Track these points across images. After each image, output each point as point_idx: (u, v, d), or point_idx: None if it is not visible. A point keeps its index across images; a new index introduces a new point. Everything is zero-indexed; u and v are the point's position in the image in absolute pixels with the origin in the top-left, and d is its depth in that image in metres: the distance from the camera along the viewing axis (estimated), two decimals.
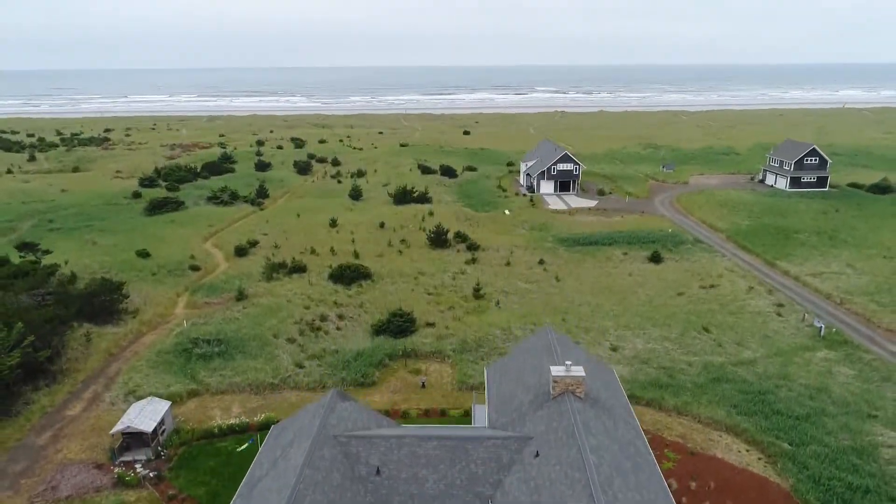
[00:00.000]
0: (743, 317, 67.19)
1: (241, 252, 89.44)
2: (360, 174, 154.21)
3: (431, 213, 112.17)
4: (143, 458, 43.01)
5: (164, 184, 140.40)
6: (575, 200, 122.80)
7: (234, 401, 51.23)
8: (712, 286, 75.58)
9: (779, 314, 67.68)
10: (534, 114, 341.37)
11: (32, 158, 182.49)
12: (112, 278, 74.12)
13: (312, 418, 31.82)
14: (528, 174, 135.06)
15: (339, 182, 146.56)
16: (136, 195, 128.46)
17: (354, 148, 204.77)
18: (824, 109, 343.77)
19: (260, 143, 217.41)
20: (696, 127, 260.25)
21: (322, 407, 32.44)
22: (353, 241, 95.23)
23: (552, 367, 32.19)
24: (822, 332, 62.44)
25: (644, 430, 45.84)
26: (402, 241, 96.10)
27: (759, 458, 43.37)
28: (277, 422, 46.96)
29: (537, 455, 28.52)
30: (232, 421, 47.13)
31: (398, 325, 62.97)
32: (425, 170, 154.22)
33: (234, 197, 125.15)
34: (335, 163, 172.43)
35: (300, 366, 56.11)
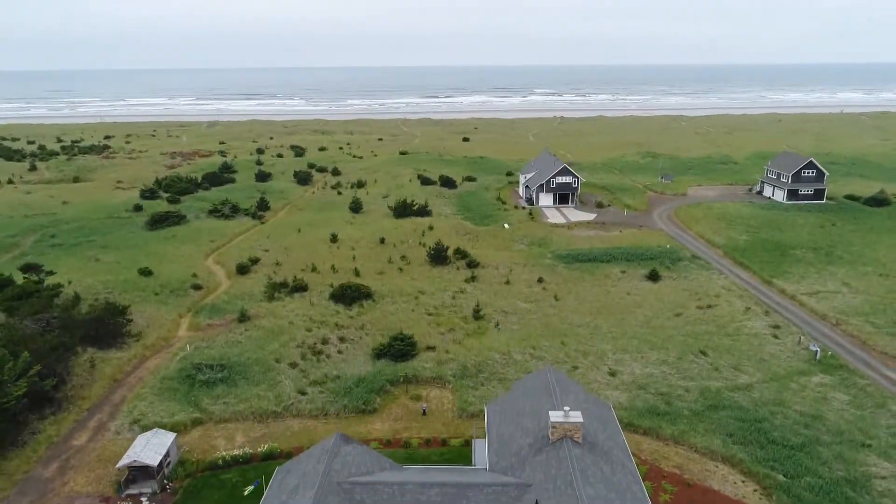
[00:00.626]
0: (740, 339, 67.99)
1: (242, 270, 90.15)
2: (360, 185, 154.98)
3: (431, 228, 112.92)
4: (149, 490, 43.77)
5: (165, 195, 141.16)
6: (574, 213, 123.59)
7: (237, 429, 51.99)
8: (709, 306, 76.37)
9: (775, 336, 68.48)
10: (533, 119, 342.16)
11: (33, 168, 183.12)
12: (115, 300, 75.01)
13: (317, 463, 32.57)
14: (527, 186, 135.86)
15: (340, 193, 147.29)
16: (138, 208, 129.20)
17: (354, 156, 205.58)
18: (823, 114, 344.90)
19: (260, 150, 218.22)
20: (694, 133, 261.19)
21: (326, 452, 33.17)
22: (353, 258, 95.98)
23: (551, 413, 32.95)
24: (818, 356, 63.26)
25: (642, 461, 46.87)
26: (403, 257, 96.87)
27: (755, 490, 44.16)
28: (280, 452, 47.93)
29: None
30: (236, 452, 47.87)
31: (399, 348, 63.77)
32: (425, 181, 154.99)
33: (235, 210, 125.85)
34: (335, 172, 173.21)
35: (302, 392, 56.86)
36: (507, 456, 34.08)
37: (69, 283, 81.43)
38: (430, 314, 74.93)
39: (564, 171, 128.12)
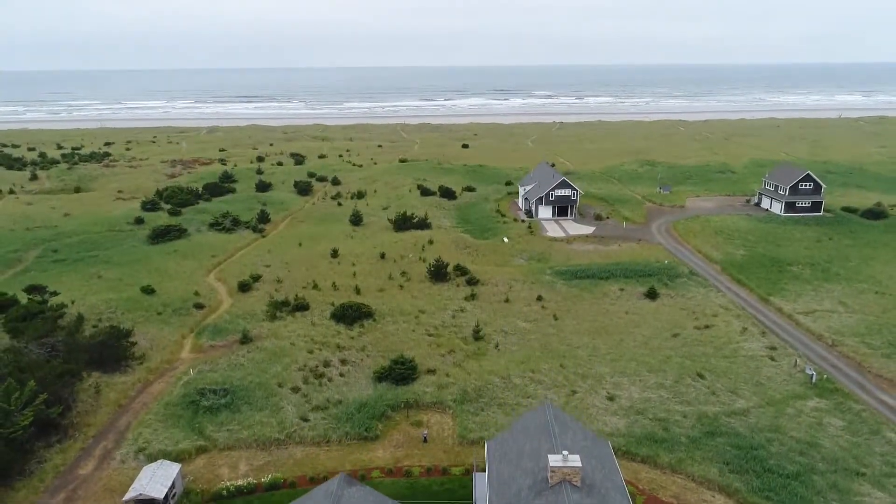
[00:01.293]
0: (736, 361, 68.79)
1: (244, 287, 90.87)
2: (360, 195, 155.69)
3: (431, 242, 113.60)
4: None
5: (166, 207, 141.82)
6: (573, 227, 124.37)
7: (241, 457, 52.73)
8: (707, 326, 77.16)
9: (772, 358, 69.28)
10: (532, 124, 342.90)
11: (34, 177, 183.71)
12: (119, 320, 75.87)
13: None
14: (526, 198, 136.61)
15: (340, 204, 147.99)
16: (139, 221, 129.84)
17: (354, 164, 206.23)
18: (821, 119, 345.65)
19: (260, 158, 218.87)
20: (693, 140, 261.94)
21: (330, 495, 33.91)
22: (354, 275, 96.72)
23: (550, 457, 33.72)
24: (814, 380, 64.07)
25: (640, 490, 47.66)
26: (403, 273, 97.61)
27: None
28: (284, 482, 48.68)
29: None
30: (240, 482, 48.63)
31: (400, 372, 64.53)
32: (424, 191, 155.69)
33: (236, 223, 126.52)
34: (335, 182, 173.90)
35: (305, 419, 57.59)
36: (506, 496, 34.84)
37: (72, 302, 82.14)
38: (430, 335, 75.69)
39: (563, 184, 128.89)
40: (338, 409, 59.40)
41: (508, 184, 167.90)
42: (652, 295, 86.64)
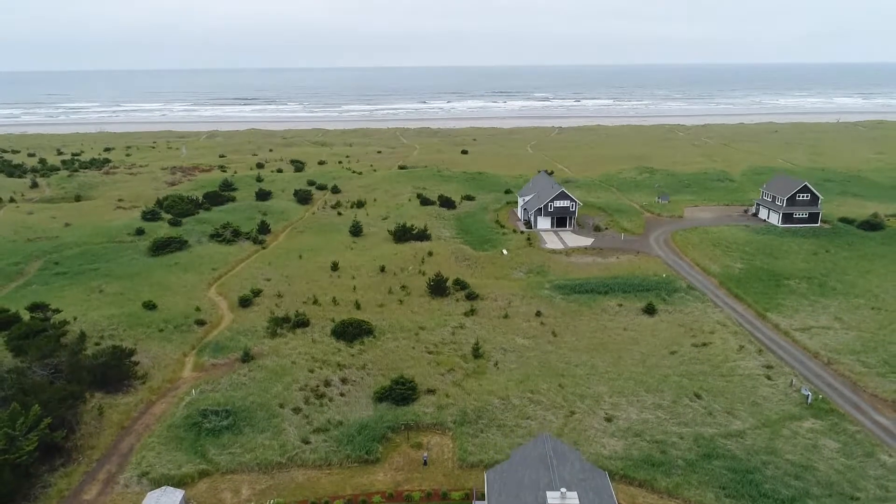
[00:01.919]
0: (733, 380, 69.47)
1: (244, 303, 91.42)
2: (360, 204, 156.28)
3: (431, 254, 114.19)
4: None
5: (166, 217, 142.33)
6: (571, 238, 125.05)
7: (243, 481, 53.33)
8: (704, 344, 77.85)
9: (768, 377, 69.97)
10: (531, 128, 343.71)
11: (35, 185, 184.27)
12: (121, 336, 76.54)
13: None
14: (525, 209, 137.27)
15: (340, 214, 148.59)
16: (140, 231, 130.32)
17: (354, 171, 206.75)
18: (819, 124, 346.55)
19: (260, 165, 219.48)
20: (692, 145, 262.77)
21: None
22: (354, 289, 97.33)
23: (548, 494, 34.37)
24: (809, 400, 64.75)
25: None
26: (403, 287, 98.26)
27: None
28: None
29: None
30: None
31: (400, 392, 65.16)
32: (424, 200, 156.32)
33: (237, 234, 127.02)
34: (335, 190, 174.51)
35: (306, 441, 58.20)
36: None
37: (74, 319, 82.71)
38: (430, 352, 76.33)
39: (562, 196, 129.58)
40: (339, 430, 60.02)
41: (507, 192, 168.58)
42: (650, 310, 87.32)
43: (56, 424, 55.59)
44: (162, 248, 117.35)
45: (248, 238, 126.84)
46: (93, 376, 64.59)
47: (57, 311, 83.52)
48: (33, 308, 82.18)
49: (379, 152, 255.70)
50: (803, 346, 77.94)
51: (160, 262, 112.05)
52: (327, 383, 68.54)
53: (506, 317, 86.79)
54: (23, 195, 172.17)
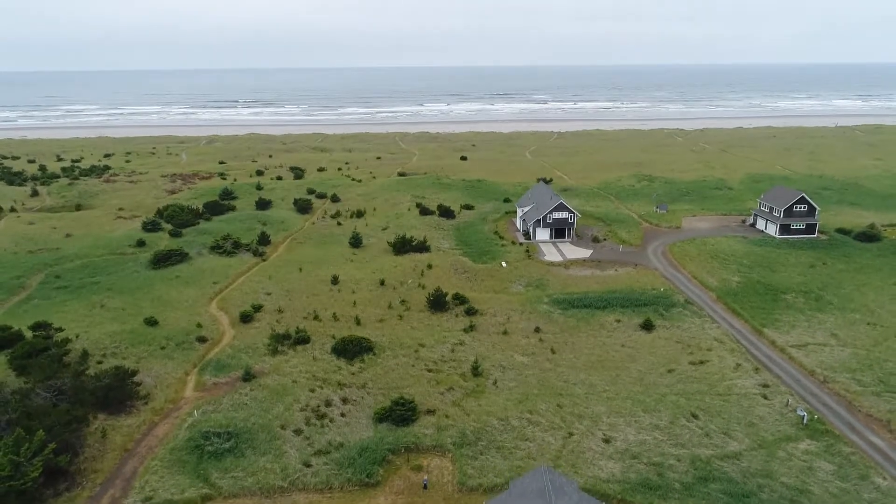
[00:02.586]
0: (730, 399, 70.21)
1: (245, 319, 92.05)
2: (360, 214, 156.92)
3: (430, 266, 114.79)
4: None
5: (166, 227, 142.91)
6: (570, 250, 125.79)
7: None
8: (701, 362, 78.55)
9: (765, 396, 70.70)
10: (530, 133, 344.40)
11: (35, 193, 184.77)
12: (123, 356, 77.25)
13: None
14: (524, 220, 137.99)
15: (340, 224, 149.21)
16: (141, 243, 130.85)
17: (353, 179, 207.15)
18: (817, 128, 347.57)
19: (259, 172, 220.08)
20: (690, 151, 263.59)
21: None
22: (354, 303, 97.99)
23: None
24: (805, 421, 65.48)
25: None
26: (403, 301, 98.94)
27: None
28: None
29: None
30: None
31: (400, 413, 65.82)
32: (423, 210, 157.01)
33: (237, 246, 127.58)
34: (335, 199, 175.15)
35: (307, 464, 58.86)
36: None
37: (77, 336, 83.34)
38: (429, 370, 77.01)
39: (561, 207, 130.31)
40: (339, 452, 60.68)
41: (507, 201, 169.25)
42: (648, 326, 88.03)
43: (60, 448, 56.21)
44: (163, 260, 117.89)
45: (248, 250, 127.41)
46: (96, 398, 65.24)
47: (59, 329, 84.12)
48: (36, 327, 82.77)
49: (378, 158, 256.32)
50: (799, 363, 78.67)
51: (161, 275, 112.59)
52: (328, 403, 69.23)
53: (505, 333, 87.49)
54: (23, 204, 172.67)
